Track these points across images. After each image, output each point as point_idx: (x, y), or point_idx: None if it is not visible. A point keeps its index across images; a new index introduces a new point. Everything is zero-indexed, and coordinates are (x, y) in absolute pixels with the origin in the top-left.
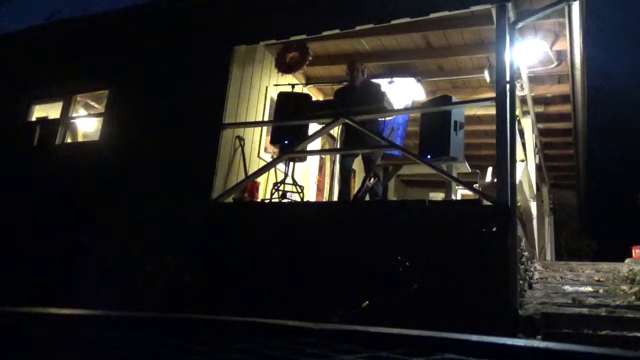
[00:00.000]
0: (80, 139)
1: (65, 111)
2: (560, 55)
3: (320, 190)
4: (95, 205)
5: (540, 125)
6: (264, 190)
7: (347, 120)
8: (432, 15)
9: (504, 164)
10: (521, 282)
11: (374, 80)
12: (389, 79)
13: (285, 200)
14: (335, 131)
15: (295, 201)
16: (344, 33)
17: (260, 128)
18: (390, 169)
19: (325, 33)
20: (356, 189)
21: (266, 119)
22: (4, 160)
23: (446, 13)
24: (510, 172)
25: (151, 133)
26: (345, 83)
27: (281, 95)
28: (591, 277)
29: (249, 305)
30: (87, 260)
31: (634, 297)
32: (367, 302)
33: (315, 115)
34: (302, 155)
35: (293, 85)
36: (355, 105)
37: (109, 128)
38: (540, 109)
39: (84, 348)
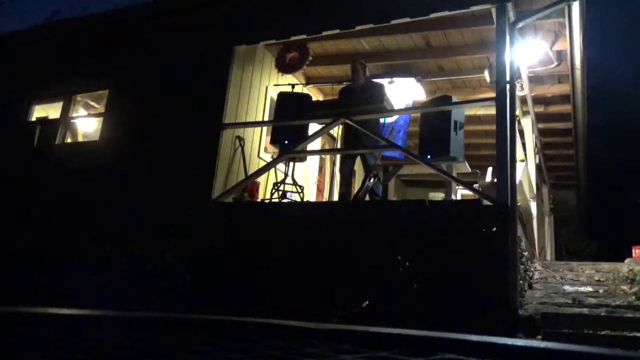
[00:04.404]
0: (80, 139)
1: (65, 111)
2: (560, 55)
3: (320, 190)
4: (95, 205)
5: (540, 125)
6: (264, 190)
7: (347, 121)
8: (432, 15)
9: (504, 164)
10: (521, 282)
11: (377, 80)
12: (389, 79)
13: (285, 200)
14: (336, 131)
15: (295, 201)
16: (344, 33)
17: (260, 128)
18: (391, 169)
19: (325, 33)
20: (356, 189)
21: (266, 119)
22: (4, 160)
23: (446, 13)
24: (510, 172)
25: (151, 133)
26: (346, 83)
27: (281, 95)
28: (591, 277)
29: (249, 305)
30: (87, 260)
31: (634, 297)
32: (367, 302)
33: (315, 115)
34: (302, 155)
35: (293, 85)
36: (356, 105)
37: (109, 128)
38: (540, 109)
39: (84, 348)
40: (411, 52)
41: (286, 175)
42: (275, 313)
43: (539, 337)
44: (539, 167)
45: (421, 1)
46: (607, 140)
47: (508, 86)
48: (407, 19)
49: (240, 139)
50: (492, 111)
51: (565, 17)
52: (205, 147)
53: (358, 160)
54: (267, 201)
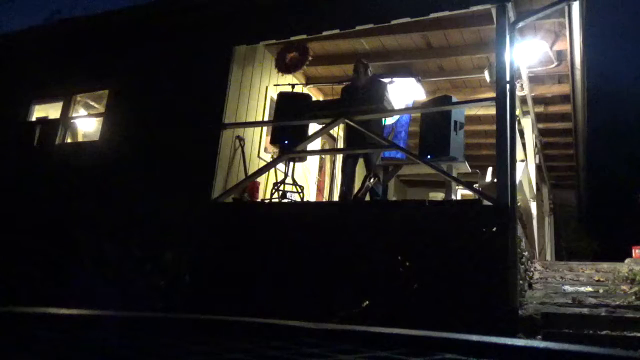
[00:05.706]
0: (80, 139)
1: (65, 111)
2: (560, 55)
3: (320, 190)
4: (95, 205)
5: (540, 125)
6: (264, 190)
7: (347, 121)
8: (432, 15)
9: (504, 164)
10: (521, 282)
11: (381, 79)
12: (389, 79)
13: (285, 200)
14: (335, 131)
15: (295, 201)
16: (344, 33)
17: (260, 128)
18: (391, 169)
19: (325, 33)
20: (356, 189)
21: (266, 119)
22: (4, 160)
23: (446, 13)
24: (510, 172)
25: (151, 133)
26: (346, 83)
27: (281, 95)
28: (591, 277)
29: (249, 305)
30: (87, 260)
31: (634, 297)
32: (367, 302)
33: (315, 115)
34: (302, 155)
35: (293, 85)
36: (356, 104)
37: (109, 128)
38: (540, 109)
39: (84, 348)
40: (411, 52)
41: (286, 175)
42: (275, 313)
43: (539, 337)
44: (539, 167)
45: (421, 1)
46: (607, 140)
47: (508, 86)
48: (407, 19)
49: (240, 139)
50: (492, 111)
51: (565, 17)
52: (205, 147)
53: (360, 161)
54: (267, 201)
